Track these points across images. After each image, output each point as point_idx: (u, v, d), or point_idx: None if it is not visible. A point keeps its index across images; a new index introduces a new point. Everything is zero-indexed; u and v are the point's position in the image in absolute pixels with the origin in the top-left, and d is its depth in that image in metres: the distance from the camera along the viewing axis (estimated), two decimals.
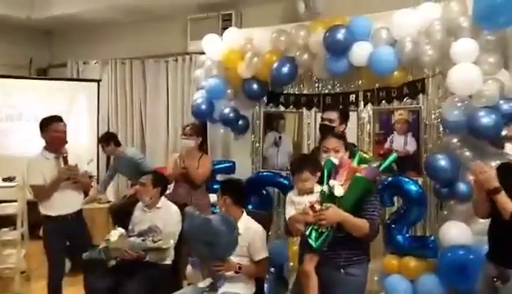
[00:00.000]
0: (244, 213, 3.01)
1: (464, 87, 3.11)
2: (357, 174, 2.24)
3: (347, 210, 2.24)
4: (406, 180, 3.36)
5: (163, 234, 3.15)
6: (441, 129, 3.57)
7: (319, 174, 2.46)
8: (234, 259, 2.88)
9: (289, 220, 2.53)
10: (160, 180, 3.38)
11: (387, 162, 2.33)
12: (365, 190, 2.25)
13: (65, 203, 3.44)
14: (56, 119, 3.48)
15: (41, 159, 3.45)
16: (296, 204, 2.54)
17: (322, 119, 3.36)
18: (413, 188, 3.29)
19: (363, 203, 2.27)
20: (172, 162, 4.09)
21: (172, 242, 3.19)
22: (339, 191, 2.24)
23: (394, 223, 3.32)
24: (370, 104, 4.01)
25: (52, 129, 3.44)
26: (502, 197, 2.14)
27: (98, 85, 6.17)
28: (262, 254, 2.92)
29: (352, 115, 3.79)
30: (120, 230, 3.23)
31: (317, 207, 2.25)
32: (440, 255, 3.11)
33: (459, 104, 3.12)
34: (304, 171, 2.48)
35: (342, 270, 2.32)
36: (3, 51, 6.41)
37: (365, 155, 3.33)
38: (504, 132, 3.03)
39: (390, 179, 3.39)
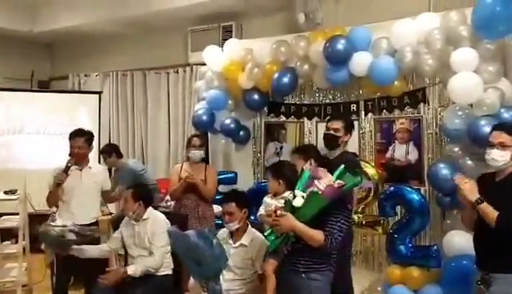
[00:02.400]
0: (250, 225, 3.00)
1: (464, 96, 3.12)
2: (314, 189, 2.26)
3: (304, 221, 2.28)
4: (409, 189, 3.35)
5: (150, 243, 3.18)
6: (442, 138, 3.57)
7: (281, 181, 2.81)
8: (238, 271, 2.88)
9: (259, 218, 3.04)
10: (140, 194, 3.31)
11: (350, 184, 2.30)
12: (321, 206, 2.26)
13: (77, 213, 3.49)
14: (75, 135, 3.59)
15: (62, 167, 3.52)
16: (266, 205, 2.91)
17: (327, 128, 3.26)
18: (415, 197, 3.28)
19: (326, 215, 2.29)
20: (175, 174, 4.04)
21: (163, 249, 3.18)
22: (296, 202, 2.30)
23: (397, 233, 3.30)
24: (371, 114, 4.01)
25: (71, 144, 3.57)
26: (484, 207, 2.23)
27: (99, 97, 6.18)
28: None
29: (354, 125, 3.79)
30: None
31: (278, 212, 2.33)
32: (443, 264, 3.08)
33: (460, 113, 3.13)
34: (268, 172, 2.86)
35: (303, 275, 2.37)
36: (5, 64, 6.45)
37: (365, 165, 3.36)
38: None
39: (392, 188, 3.38)
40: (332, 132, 3.19)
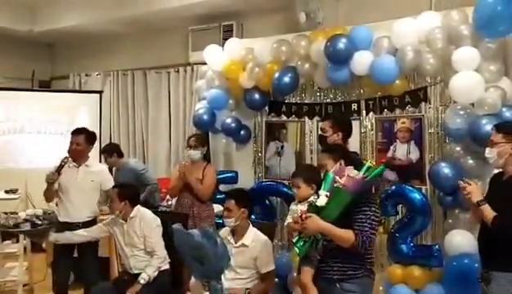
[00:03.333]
0: (251, 225, 3.00)
1: (466, 95, 3.11)
2: (337, 185, 2.20)
3: (330, 220, 2.21)
4: (410, 188, 3.34)
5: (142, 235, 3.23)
6: (444, 137, 3.56)
7: (314, 185, 2.55)
8: (240, 271, 2.88)
9: (286, 227, 2.79)
10: (126, 193, 3.33)
11: (373, 174, 2.27)
12: (347, 201, 2.20)
13: (74, 210, 3.54)
14: (73, 133, 3.65)
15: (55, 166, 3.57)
16: (292, 212, 2.70)
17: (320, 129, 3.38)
18: (417, 196, 3.27)
19: (354, 213, 2.22)
20: (176, 173, 4.06)
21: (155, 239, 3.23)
22: (320, 201, 2.24)
23: (398, 232, 3.29)
24: (372, 113, 4.00)
25: (70, 140, 3.63)
26: (484, 208, 2.30)
27: (100, 96, 6.19)
28: (269, 266, 2.91)
29: (355, 124, 3.77)
30: None
31: (304, 216, 2.26)
32: (445, 264, 3.08)
33: (461, 112, 3.13)
34: (296, 177, 2.65)
35: (337, 285, 2.28)
36: (6, 64, 6.45)
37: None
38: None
39: (393, 187, 3.38)
40: (321, 132, 3.27)
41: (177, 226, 2.87)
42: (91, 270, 3.59)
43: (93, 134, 3.76)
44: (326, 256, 2.32)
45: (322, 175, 2.43)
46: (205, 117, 4.48)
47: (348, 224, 2.22)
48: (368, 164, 2.33)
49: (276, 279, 3.67)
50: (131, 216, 3.27)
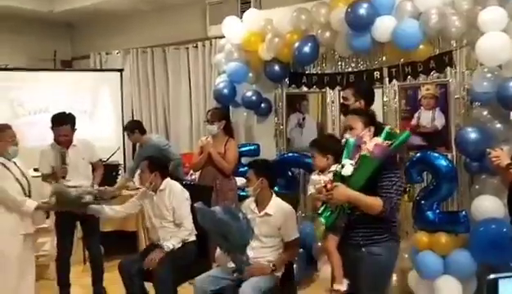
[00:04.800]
0: (274, 195, 3.02)
1: (493, 57, 3.02)
2: (364, 152, 2.17)
3: (357, 188, 2.20)
4: (436, 155, 3.28)
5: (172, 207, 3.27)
6: (470, 102, 3.47)
7: (330, 156, 2.53)
8: (265, 240, 2.91)
9: (309, 198, 2.82)
10: (156, 164, 3.39)
11: (398, 141, 2.24)
12: (373, 168, 2.18)
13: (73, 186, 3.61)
14: (57, 124, 3.65)
15: (49, 149, 3.71)
16: (314, 183, 2.70)
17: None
18: (443, 163, 3.21)
19: (379, 180, 2.20)
20: (199, 147, 4.11)
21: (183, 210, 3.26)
22: (346, 170, 2.21)
23: (424, 199, 3.25)
24: (395, 81, 3.92)
25: (56, 133, 3.67)
26: None
27: (121, 74, 6.23)
28: (293, 234, 2.94)
29: (377, 92, 3.69)
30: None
31: (329, 186, 2.24)
32: (472, 229, 3.05)
33: (488, 75, 3.04)
34: (311, 148, 2.65)
35: (363, 249, 2.29)
36: (27, 45, 6.54)
37: (396, 130, 3.27)
38: None
39: (418, 154, 3.33)
40: (342, 101, 3.19)
41: (199, 205, 2.92)
42: (95, 245, 3.81)
43: (74, 117, 3.74)
44: (351, 223, 2.31)
45: (344, 140, 2.37)
46: (225, 91, 4.48)
47: (373, 191, 2.21)
48: (387, 129, 2.29)
49: (301, 249, 3.71)
50: (161, 188, 3.32)
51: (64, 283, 3.76)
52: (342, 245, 2.40)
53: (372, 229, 2.27)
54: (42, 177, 3.75)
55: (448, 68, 3.58)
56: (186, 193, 3.33)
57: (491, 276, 1.15)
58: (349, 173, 2.20)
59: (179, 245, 3.20)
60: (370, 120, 2.41)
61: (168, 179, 3.41)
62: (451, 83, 3.60)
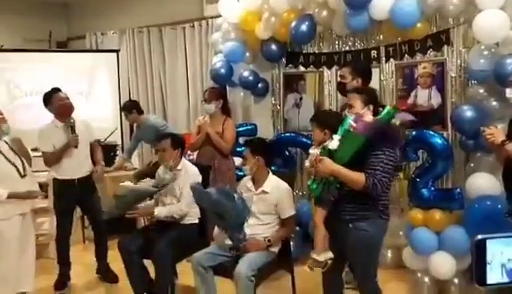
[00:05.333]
0: (271, 173, 3.05)
1: (490, 35, 3.01)
2: (347, 127, 2.22)
3: (343, 163, 2.25)
4: (431, 133, 3.30)
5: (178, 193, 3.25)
6: (467, 81, 3.48)
7: (328, 130, 2.54)
8: (262, 217, 2.94)
9: (305, 170, 2.88)
10: (178, 141, 3.40)
11: (382, 115, 2.27)
12: (358, 144, 2.22)
13: (73, 168, 3.67)
14: (57, 90, 3.68)
15: (51, 127, 3.68)
16: (310, 156, 2.72)
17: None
18: (438, 141, 3.23)
19: (366, 157, 2.24)
20: (196, 127, 4.11)
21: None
22: (332, 145, 2.27)
23: (419, 177, 3.28)
24: (392, 60, 3.92)
25: (57, 99, 3.64)
26: (508, 147, 2.40)
27: (117, 55, 6.19)
28: (289, 212, 2.97)
29: (374, 72, 3.69)
30: (128, 183, 3.35)
31: (317, 159, 2.31)
32: (467, 206, 3.08)
33: (485, 53, 3.04)
34: (311, 122, 2.70)
35: (350, 224, 2.35)
36: (23, 26, 6.47)
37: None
38: None
39: (414, 133, 3.34)
40: (340, 80, 3.20)
41: (194, 185, 2.93)
42: (98, 221, 3.83)
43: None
44: (340, 199, 2.38)
45: (344, 115, 2.42)
46: (222, 70, 4.46)
47: (359, 167, 2.26)
48: (388, 108, 2.32)
49: (298, 228, 3.76)
50: (178, 167, 3.30)
51: (64, 262, 3.81)
52: (330, 219, 2.46)
53: (360, 204, 2.33)
54: (44, 157, 3.72)
55: (445, 46, 3.58)
56: (199, 178, 3.31)
57: (479, 236, 1.18)
58: (335, 147, 2.26)
59: (162, 216, 3.20)
60: (370, 99, 2.43)
61: (184, 159, 3.43)
62: (448, 61, 3.60)
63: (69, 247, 3.85)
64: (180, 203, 3.24)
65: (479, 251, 1.16)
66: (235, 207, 2.74)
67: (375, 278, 2.50)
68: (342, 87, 3.23)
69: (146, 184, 3.36)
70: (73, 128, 3.59)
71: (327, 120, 2.60)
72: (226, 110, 4.13)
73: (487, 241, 1.17)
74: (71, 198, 3.74)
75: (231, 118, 4.19)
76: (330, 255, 2.44)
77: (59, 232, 3.82)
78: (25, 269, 3.18)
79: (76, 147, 3.59)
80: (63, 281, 3.78)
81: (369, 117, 2.28)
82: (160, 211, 3.20)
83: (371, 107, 2.39)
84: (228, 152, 4.01)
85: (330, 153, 2.29)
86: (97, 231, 3.92)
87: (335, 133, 2.35)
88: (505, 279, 1.18)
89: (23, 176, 3.06)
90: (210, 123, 4.01)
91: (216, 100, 4.02)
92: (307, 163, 2.75)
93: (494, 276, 1.17)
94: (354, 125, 2.20)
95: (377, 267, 2.55)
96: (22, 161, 3.11)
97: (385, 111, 2.31)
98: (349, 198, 2.33)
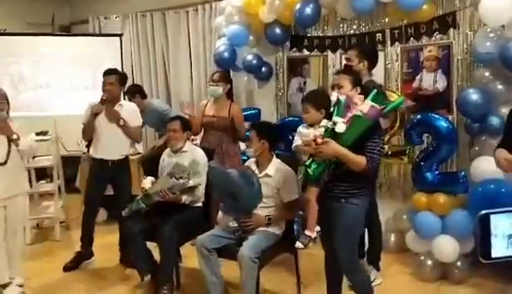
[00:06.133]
0: (275, 156, 3.04)
1: (496, 17, 2.98)
2: (357, 112, 2.26)
3: (347, 146, 2.29)
4: (436, 116, 3.28)
5: (189, 172, 3.22)
6: (473, 64, 3.45)
7: (323, 110, 2.57)
8: (265, 200, 2.94)
9: (295, 149, 3.01)
10: (187, 124, 3.46)
11: (391, 106, 2.35)
12: (365, 128, 2.28)
13: (108, 149, 3.66)
14: (104, 73, 3.70)
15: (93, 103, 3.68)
16: (302, 135, 2.83)
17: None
18: (443, 124, 3.20)
19: (366, 141, 2.31)
20: (199, 111, 4.08)
21: (200, 180, 3.25)
22: (339, 128, 2.29)
23: (423, 161, 3.27)
24: (397, 43, 3.89)
25: (103, 81, 3.69)
26: None
27: (120, 39, 6.16)
28: (292, 196, 2.96)
29: (380, 55, 3.65)
30: (150, 178, 3.35)
31: (319, 140, 2.32)
32: (471, 190, 3.08)
33: (491, 35, 3.01)
34: (305, 102, 2.73)
35: (342, 200, 2.41)
36: (25, 10, 6.43)
37: (390, 93, 3.28)
38: None
39: (419, 116, 3.33)
40: (346, 62, 3.21)
41: (213, 163, 2.94)
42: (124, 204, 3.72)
43: (124, 74, 3.84)
44: (334, 178, 2.42)
45: (333, 97, 2.44)
46: (226, 54, 4.44)
47: (357, 150, 2.30)
48: (374, 93, 2.34)
49: (301, 212, 3.76)
50: (184, 149, 3.35)
51: (87, 240, 3.78)
52: (321, 197, 2.53)
53: (354, 183, 2.39)
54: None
55: (451, 29, 3.54)
56: (206, 159, 3.32)
57: (483, 212, 1.19)
58: (342, 131, 2.29)
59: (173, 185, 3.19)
60: (356, 80, 2.52)
61: (189, 142, 3.47)
62: (454, 44, 3.56)
63: (94, 226, 3.82)
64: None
65: (483, 225, 1.17)
66: (251, 191, 2.76)
67: (359, 266, 2.56)
68: (348, 69, 3.19)
69: (164, 179, 3.29)
70: (103, 100, 3.59)
71: (322, 100, 2.64)
72: (230, 95, 4.11)
73: (491, 216, 1.18)
74: (103, 178, 3.73)
75: (235, 102, 4.17)
76: (318, 228, 2.57)
77: (86, 209, 3.79)
78: (15, 255, 3.20)
79: (97, 115, 3.58)
80: (79, 260, 3.75)
81: (358, 97, 2.35)
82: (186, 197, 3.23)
83: (358, 89, 2.47)
84: (244, 133, 3.98)
85: (334, 136, 2.31)
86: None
87: (328, 114, 2.40)
88: (511, 252, 1.19)
89: (4, 163, 3.04)
90: (216, 107, 3.97)
91: (225, 82, 3.97)
92: (297, 141, 2.78)
93: (499, 250, 1.18)
94: (365, 111, 2.25)
95: (357, 254, 2.57)
96: (9, 149, 3.07)
97: (397, 101, 2.43)
98: (345, 177, 2.39)
